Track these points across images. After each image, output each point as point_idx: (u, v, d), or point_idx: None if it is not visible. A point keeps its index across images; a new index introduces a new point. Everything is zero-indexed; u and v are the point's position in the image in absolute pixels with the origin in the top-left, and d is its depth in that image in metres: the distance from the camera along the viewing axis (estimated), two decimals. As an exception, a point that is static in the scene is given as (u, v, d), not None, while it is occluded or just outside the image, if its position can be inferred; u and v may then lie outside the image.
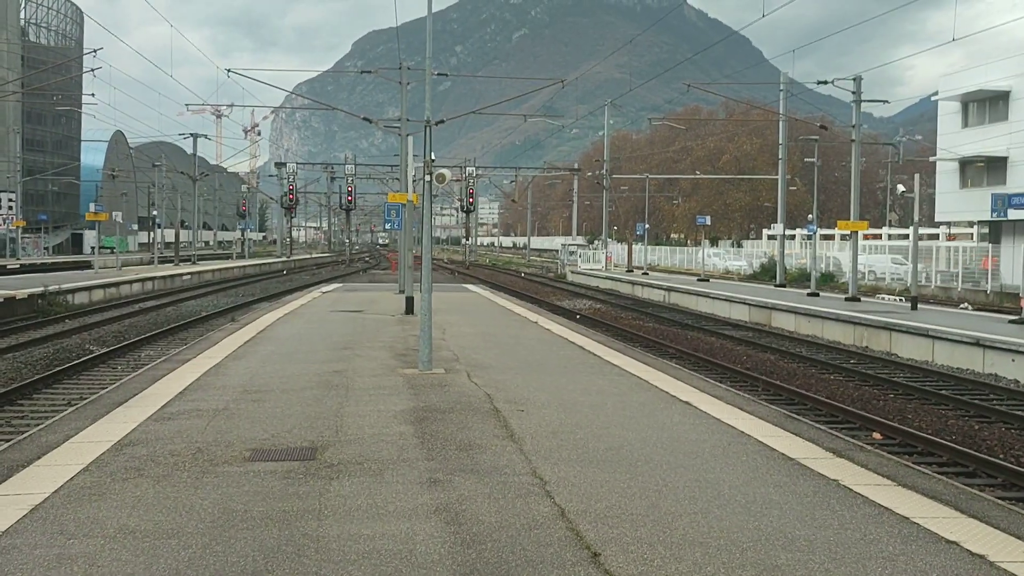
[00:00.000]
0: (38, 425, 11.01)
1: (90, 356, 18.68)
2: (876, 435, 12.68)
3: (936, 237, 58.71)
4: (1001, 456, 11.62)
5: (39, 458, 7.91)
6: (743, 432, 9.46)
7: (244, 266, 63.24)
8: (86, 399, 12.69)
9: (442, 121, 21.16)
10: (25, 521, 6.14)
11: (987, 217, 39.66)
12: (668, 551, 5.72)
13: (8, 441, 9.65)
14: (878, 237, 65.56)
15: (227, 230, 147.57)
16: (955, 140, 47.53)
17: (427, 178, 13.09)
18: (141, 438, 8.69)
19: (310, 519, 6.26)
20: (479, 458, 8.04)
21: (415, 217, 23.97)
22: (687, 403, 11.15)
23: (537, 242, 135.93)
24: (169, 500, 6.67)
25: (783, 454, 8.49)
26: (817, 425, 10.65)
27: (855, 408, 14.49)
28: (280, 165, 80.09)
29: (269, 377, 12.53)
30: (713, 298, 35.24)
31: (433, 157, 13.88)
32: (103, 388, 13.90)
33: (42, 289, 29.83)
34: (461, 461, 7.93)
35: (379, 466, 7.72)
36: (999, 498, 8.28)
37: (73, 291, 32.07)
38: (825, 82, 33.75)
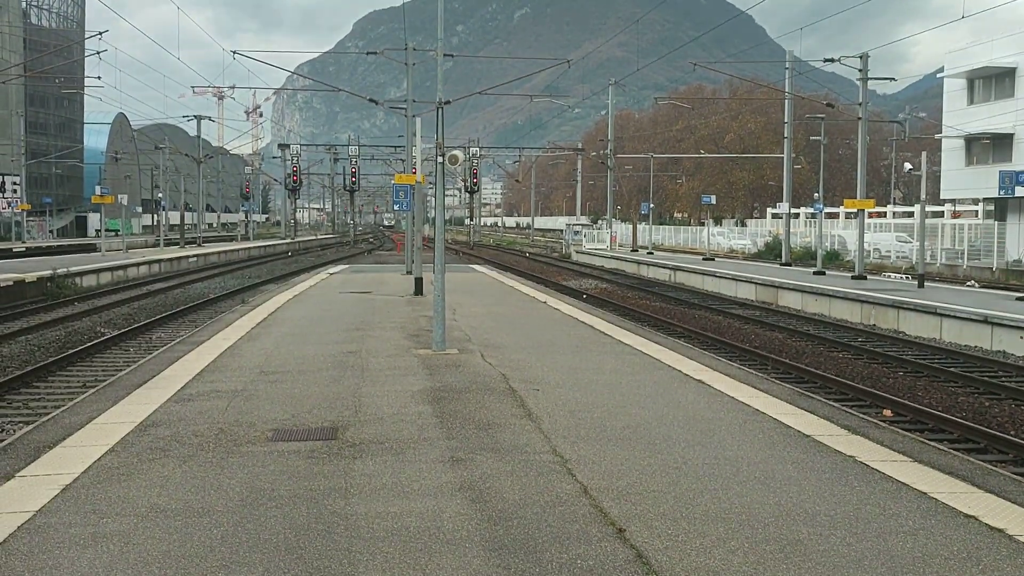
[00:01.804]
0: (56, 407, 11.15)
1: (102, 339, 18.79)
2: (887, 412, 12.76)
3: (941, 215, 58.61)
4: (1012, 432, 11.70)
5: (64, 439, 8.02)
6: (758, 410, 9.55)
7: (249, 248, 63.33)
8: (102, 381, 12.83)
9: (448, 102, 21.18)
10: (58, 500, 6.25)
11: (993, 194, 39.59)
12: (692, 526, 5.81)
13: (31, 423, 9.78)
14: (883, 215, 65.42)
15: (230, 212, 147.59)
16: (961, 117, 47.40)
17: (439, 159, 13.12)
18: (163, 419, 8.79)
19: (337, 497, 6.36)
20: (499, 437, 8.14)
21: (421, 198, 24.08)
22: (700, 381, 11.23)
23: (541, 222, 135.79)
24: (196, 480, 6.77)
25: (799, 431, 8.58)
26: (830, 402, 10.75)
27: (865, 386, 14.57)
28: (284, 147, 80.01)
29: (285, 358, 12.63)
30: (719, 277, 35.28)
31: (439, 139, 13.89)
32: (118, 370, 14.04)
33: (51, 272, 29.93)
34: (481, 440, 8.02)
35: (401, 445, 7.82)
36: (1012, 474, 8.37)
37: (81, 274, 32.17)
38: (832, 60, 33.61)
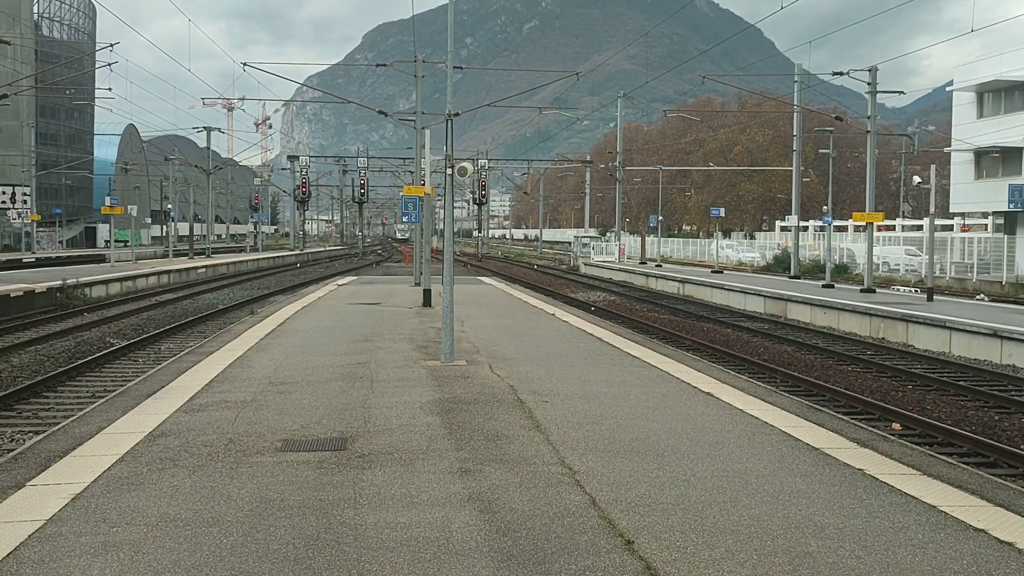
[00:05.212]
0: (66, 417, 11.21)
1: (111, 349, 18.85)
2: (896, 425, 12.73)
3: (950, 228, 58.50)
4: (1022, 446, 11.66)
5: (74, 449, 8.05)
6: (766, 422, 9.54)
7: (258, 259, 63.49)
8: (111, 391, 12.89)
9: (458, 114, 21.24)
10: (68, 510, 6.27)
11: (1003, 208, 39.55)
12: (700, 539, 5.81)
13: (42, 433, 9.81)
14: (892, 228, 65.34)
15: (239, 223, 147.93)
16: (970, 131, 47.35)
17: (448, 171, 13.17)
18: (173, 429, 8.82)
19: (346, 508, 6.37)
20: (507, 448, 8.15)
21: (430, 210, 24.12)
22: (709, 394, 11.23)
23: (549, 234, 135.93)
24: (206, 489, 6.79)
25: (807, 444, 8.57)
26: (839, 416, 10.72)
27: (874, 399, 14.54)
28: (293, 158, 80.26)
29: (293, 369, 12.66)
30: (728, 290, 35.25)
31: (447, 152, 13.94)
32: (127, 381, 14.09)
33: (60, 282, 30.03)
34: (490, 451, 8.03)
35: (410, 456, 7.83)
36: (1022, 488, 8.33)
37: (90, 284, 32.29)
38: (841, 73, 33.62)
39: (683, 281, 40.91)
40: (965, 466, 8.34)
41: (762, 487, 7.04)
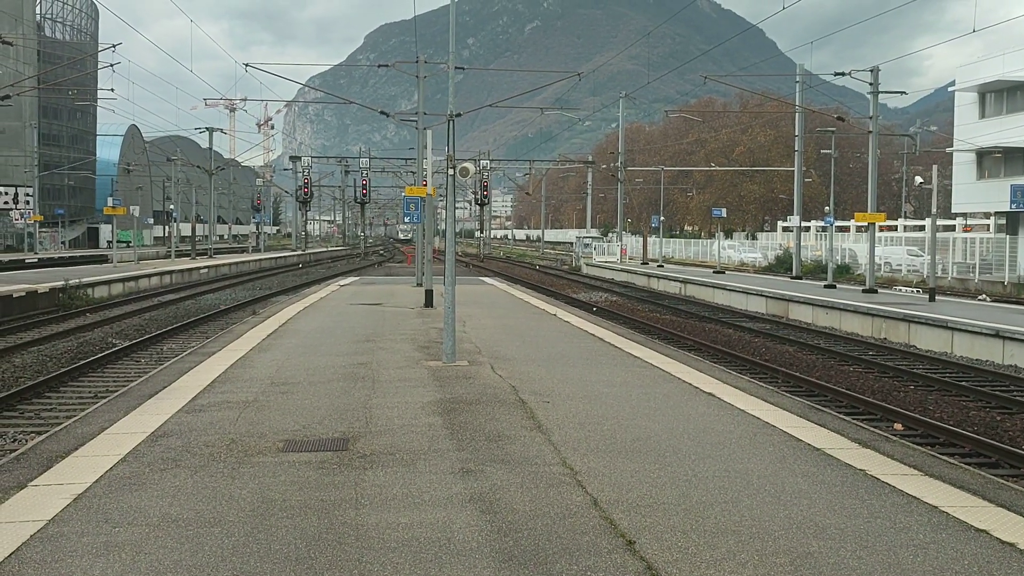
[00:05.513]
0: (68, 417, 11.21)
1: (113, 349, 18.86)
2: (897, 426, 12.73)
3: (952, 228, 58.47)
4: (1024, 447, 11.65)
5: (76, 449, 8.06)
6: (768, 423, 9.54)
7: (260, 259, 63.51)
8: (113, 392, 12.91)
9: (460, 114, 21.23)
10: (70, 510, 6.28)
11: (1004, 208, 39.52)
12: (702, 539, 5.81)
13: (44, 433, 9.83)
14: (894, 229, 65.28)
15: (241, 224, 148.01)
16: (972, 131, 47.34)
17: (450, 172, 13.17)
18: (175, 429, 8.83)
19: (348, 508, 6.38)
20: (509, 448, 8.15)
21: (432, 210, 24.12)
22: (710, 394, 11.23)
23: (551, 235, 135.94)
24: (208, 490, 6.80)
25: (809, 444, 8.57)
26: (841, 416, 10.72)
27: (876, 400, 14.54)
28: (295, 159, 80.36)
29: (295, 369, 12.67)
30: (729, 290, 35.24)
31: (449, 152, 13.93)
32: (129, 381, 14.09)
33: (63, 283, 30.07)
34: (491, 451, 8.03)
35: (411, 456, 7.83)
36: (1024, 488, 8.33)
37: (93, 285, 32.31)
38: (842, 73, 33.62)
39: (685, 281, 40.90)
40: (967, 467, 8.34)
41: (764, 487, 7.04)
